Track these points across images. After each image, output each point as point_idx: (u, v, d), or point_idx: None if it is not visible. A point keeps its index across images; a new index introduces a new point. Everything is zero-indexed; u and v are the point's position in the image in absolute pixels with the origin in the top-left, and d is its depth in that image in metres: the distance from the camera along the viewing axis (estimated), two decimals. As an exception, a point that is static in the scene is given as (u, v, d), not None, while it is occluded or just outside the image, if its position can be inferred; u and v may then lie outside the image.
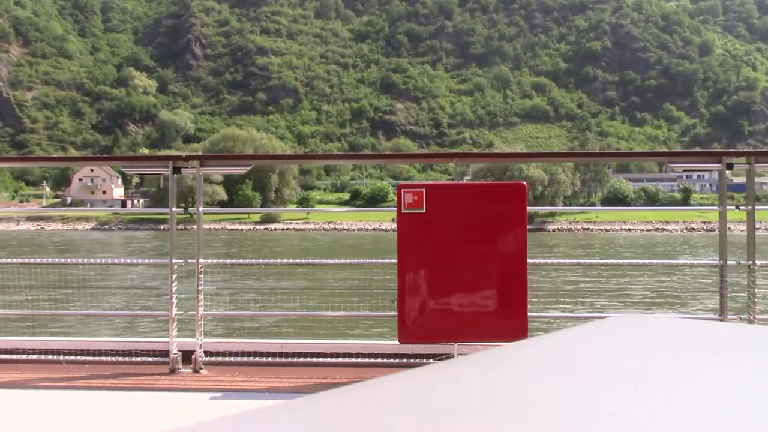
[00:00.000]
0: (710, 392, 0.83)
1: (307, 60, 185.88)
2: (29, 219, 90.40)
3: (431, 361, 2.16)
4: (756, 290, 4.23)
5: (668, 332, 1.14)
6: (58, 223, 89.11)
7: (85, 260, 5.43)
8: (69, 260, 5.99)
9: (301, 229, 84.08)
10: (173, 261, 4.36)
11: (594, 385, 0.87)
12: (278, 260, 6.25)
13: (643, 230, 79.29)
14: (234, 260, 5.65)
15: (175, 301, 4.34)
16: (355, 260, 5.88)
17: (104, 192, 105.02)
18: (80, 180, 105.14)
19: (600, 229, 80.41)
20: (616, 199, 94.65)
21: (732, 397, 0.81)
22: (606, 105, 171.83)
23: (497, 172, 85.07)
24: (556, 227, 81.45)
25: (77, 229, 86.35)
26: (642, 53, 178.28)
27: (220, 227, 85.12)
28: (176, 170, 4.35)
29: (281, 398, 2.23)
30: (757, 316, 4.22)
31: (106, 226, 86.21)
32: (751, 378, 0.89)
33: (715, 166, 4.29)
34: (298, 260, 5.76)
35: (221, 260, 5.40)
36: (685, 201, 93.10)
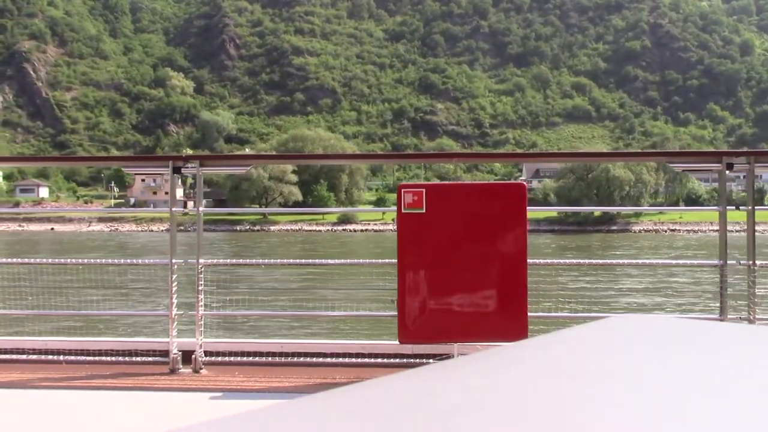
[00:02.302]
0: (710, 392, 0.83)
1: (343, 60, 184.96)
2: (101, 220, 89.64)
3: (431, 361, 2.22)
4: (756, 290, 4.21)
5: (668, 332, 1.14)
6: (132, 224, 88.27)
7: (85, 260, 5.37)
8: (69, 260, 5.96)
9: (380, 231, 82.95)
10: (173, 261, 4.37)
11: (594, 385, 0.86)
12: (278, 260, 6.11)
13: (731, 231, 77.98)
14: (234, 260, 5.63)
15: (175, 301, 4.35)
16: (355, 260, 5.96)
17: (166, 192, 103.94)
18: (143, 180, 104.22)
19: (687, 230, 79.29)
20: (689, 200, 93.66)
21: (732, 398, 0.81)
22: (648, 105, 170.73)
23: (579, 172, 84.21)
24: (641, 228, 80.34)
25: (152, 230, 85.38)
26: (683, 53, 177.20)
27: (297, 228, 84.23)
28: (176, 170, 4.37)
29: (281, 398, 2.29)
30: (757, 316, 4.21)
31: (181, 227, 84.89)
32: (751, 378, 0.88)
33: (715, 166, 4.26)
34: (298, 260, 5.82)
35: (221, 260, 5.35)
36: (760, 201, 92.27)
